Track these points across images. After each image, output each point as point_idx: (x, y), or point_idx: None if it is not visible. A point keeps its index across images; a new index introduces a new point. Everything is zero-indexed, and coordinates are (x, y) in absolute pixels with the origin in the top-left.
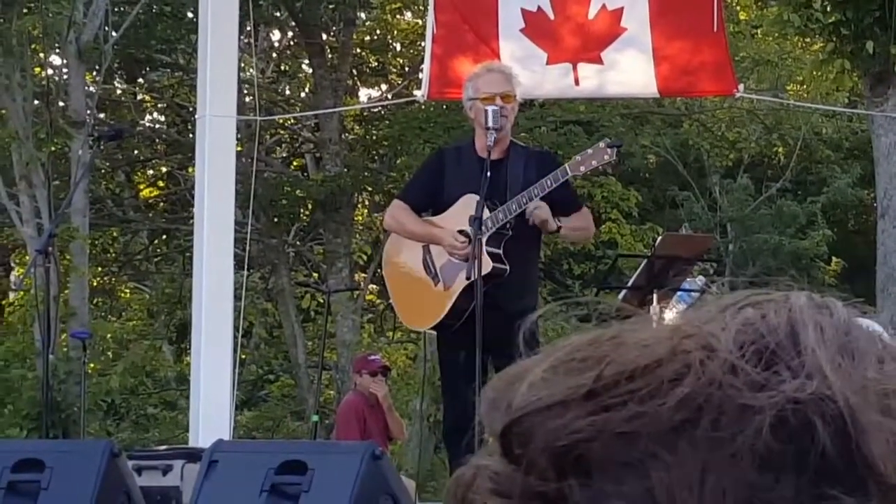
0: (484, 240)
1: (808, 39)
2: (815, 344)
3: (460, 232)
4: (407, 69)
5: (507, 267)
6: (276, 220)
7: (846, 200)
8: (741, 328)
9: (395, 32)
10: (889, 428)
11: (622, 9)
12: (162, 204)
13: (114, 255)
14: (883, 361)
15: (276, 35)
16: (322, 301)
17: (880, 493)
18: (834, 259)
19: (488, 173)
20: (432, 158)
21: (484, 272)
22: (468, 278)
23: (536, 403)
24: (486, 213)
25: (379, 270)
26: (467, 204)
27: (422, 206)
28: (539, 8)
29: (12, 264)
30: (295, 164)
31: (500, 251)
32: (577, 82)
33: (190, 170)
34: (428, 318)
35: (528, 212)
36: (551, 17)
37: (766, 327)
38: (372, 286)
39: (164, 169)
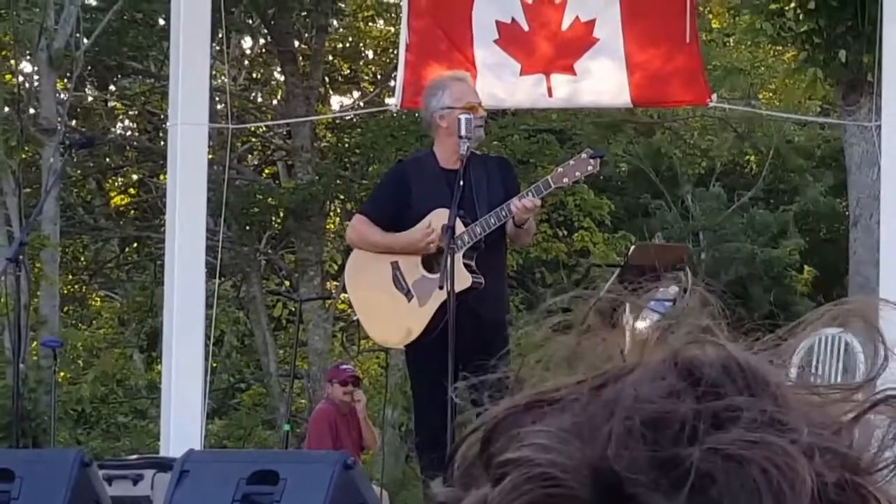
0: (460, 254)
1: (780, 48)
2: (755, 372)
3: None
4: (379, 77)
5: (483, 280)
6: (247, 228)
7: (818, 209)
8: (679, 365)
9: (368, 40)
10: None
11: (594, 20)
12: (133, 212)
13: (85, 263)
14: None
15: (247, 42)
16: (294, 310)
17: None
18: (806, 268)
19: (461, 182)
20: (394, 172)
21: (463, 287)
22: (441, 288)
23: None
24: (461, 227)
25: None
26: (436, 219)
27: (386, 220)
28: (513, 19)
29: None
30: (267, 171)
31: (474, 264)
32: (549, 92)
33: (161, 177)
34: (403, 334)
35: (515, 212)
36: (525, 27)
37: (704, 360)
38: (344, 295)
39: (135, 176)
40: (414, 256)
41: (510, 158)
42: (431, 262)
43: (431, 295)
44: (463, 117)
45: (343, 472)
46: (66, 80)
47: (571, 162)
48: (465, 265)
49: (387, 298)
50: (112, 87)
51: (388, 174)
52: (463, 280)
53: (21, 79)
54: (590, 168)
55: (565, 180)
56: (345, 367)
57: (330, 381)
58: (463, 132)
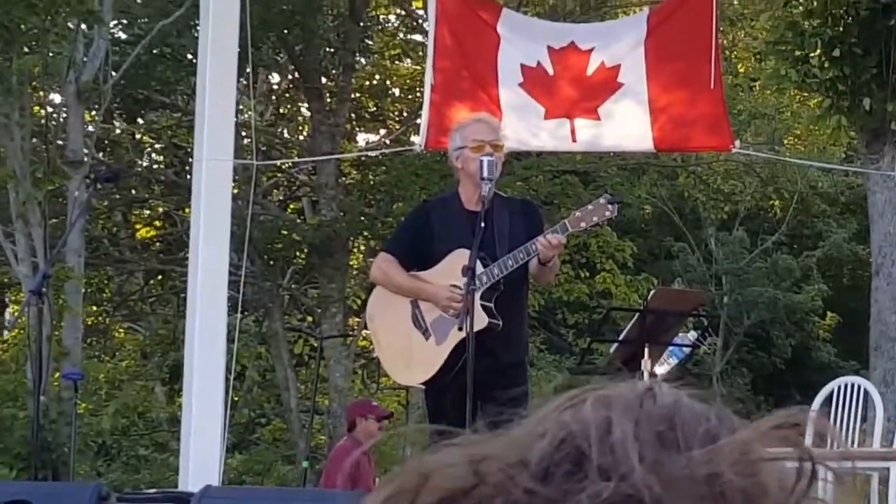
0: (478, 295)
1: (805, 94)
2: (626, 439)
3: (453, 286)
4: (405, 114)
5: (500, 322)
6: (271, 263)
7: (842, 255)
8: (557, 433)
9: (394, 78)
10: None
11: (620, 65)
12: (158, 244)
13: (109, 295)
14: (716, 437)
15: (275, 78)
16: (315, 346)
17: None
18: (829, 313)
19: (482, 224)
20: (418, 212)
21: (479, 327)
22: (460, 329)
23: None
24: (480, 268)
25: None
26: (456, 259)
27: (409, 260)
28: (538, 63)
29: (7, 302)
30: (291, 207)
31: (493, 305)
32: (573, 136)
33: (187, 210)
34: (420, 373)
35: (541, 249)
36: (550, 72)
37: (581, 428)
38: (365, 332)
39: (160, 209)
40: None
41: (534, 199)
42: None
43: (449, 334)
44: (485, 159)
45: None
46: (93, 113)
47: (590, 207)
48: (483, 306)
49: (405, 336)
50: (139, 121)
51: (411, 213)
52: (479, 321)
53: (49, 111)
54: (607, 214)
55: (582, 224)
56: (375, 403)
57: (363, 416)
58: (485, 174)
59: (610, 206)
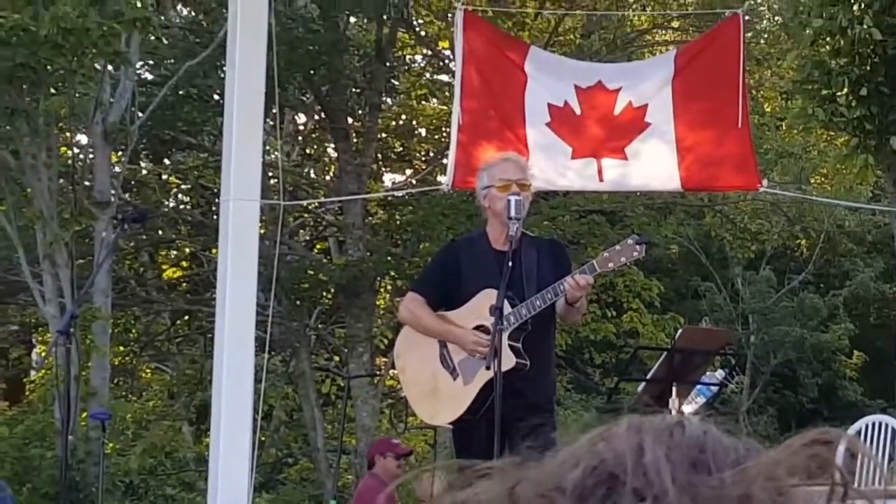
0: (506, 335)
1: (832, 133)
2: (659, 462)
3: (479, 327)
4: (431, 154)
5: (528, 362)
6: (298, 303)
7: (868, 294)
8: (590, 461)
9: (420, 118)
10: None
11: (647, 105)
12: (185, 285)
13: (136, 335)
14: (742, 462)
15: (301, 118)
16: (342, 385)
17: None
18: (855, 352)
19: (510, 263)
20: (446, 251)
21: (507, 367)
22: (488, 368)
23: None
24: (508, 308)
25: None
26: (484, 299)
27: (437, 299)
28: (566, 102)
29: (34, 343)
30: (318, 247)
31: (520, 345)
32: (600, 175)
33: (213, 251)
34: (447, 413)
35: (569, 289)
36: (577, 111)
37: (615, 455)
38: (392, 371)
39: (187, 250)
40: None
41: (560, 239)
42: None
43: (476, 374)
44: (513, 198)
45: None
46: (120, 154)
47: (618, 247)
48: (511, 346)
49: (432, 376)
50: (166, 161)
51: (439, 252)
52: (507, 361)
53: (76, 151)
54: (635, 254)
55: (610, 265)
56: (395, 441)
57: (382, 454)
58: (512, 213)
59: (638, 246)
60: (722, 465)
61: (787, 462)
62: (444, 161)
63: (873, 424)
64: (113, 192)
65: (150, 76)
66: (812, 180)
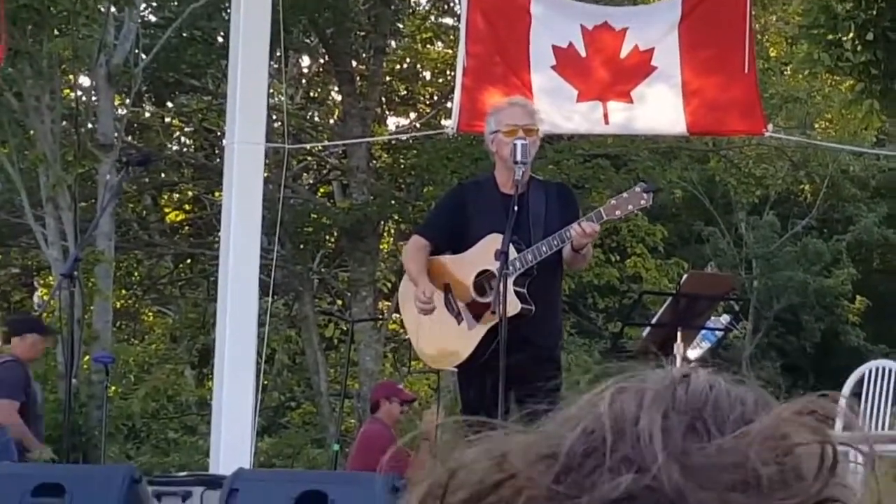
0: (511, 280)
1: (837, 78)
2: (653, 430)
3: (483, 272)
4: (436, 98)
5: (533, 307)
6: (301, 247)
7: (872, 239)
8: (588, 425)
9: (425, 62)
10: (712, 497)
11: (653, 49)
12: (187, 228)
13: (138, 278)
14: (750, 422)
15: (305, 61)
16: (345, 329)
17: None
18: (858, 298)
19: (515, 208)
20: (453, 194)
21: (512, 313)
22: (493, 313)
23: None
24: (513, 253)
25: None
26: (490, 244)
27: (442, 242)
28: (570, 44)
29: (36, 285)
30: (322, 191)
31: (525, 291)
32: (606, 119)
33: (216, 194)
34: (451, 357)
35: (575, 236)
36: (582, 54)
37: (611, 420)
38: (395, 315)
39: (190, 193)
40: (466, 280)
41: (565, 183)
42: (483, 286)
43: (481, 319)
44: (518, 142)
45: (391, 493)
46: (123, 96)
47: (625, 195)
48: (516, 292)
49: (437, 320)
50: (169, 104)
51: (446, 195)
52: (513, 306)
53: (79, 94)
54: (642, 202)
55: (617, 213)
56: (400, 386)
57: (387, 398)
58: (518, 157)
59: (645, 194)
60: (723, 425)
61: (783, 427)
62: (449, 105)
63: (876, 369)
64: (116, 134)
65: (154, 18)
66: (817, 125)
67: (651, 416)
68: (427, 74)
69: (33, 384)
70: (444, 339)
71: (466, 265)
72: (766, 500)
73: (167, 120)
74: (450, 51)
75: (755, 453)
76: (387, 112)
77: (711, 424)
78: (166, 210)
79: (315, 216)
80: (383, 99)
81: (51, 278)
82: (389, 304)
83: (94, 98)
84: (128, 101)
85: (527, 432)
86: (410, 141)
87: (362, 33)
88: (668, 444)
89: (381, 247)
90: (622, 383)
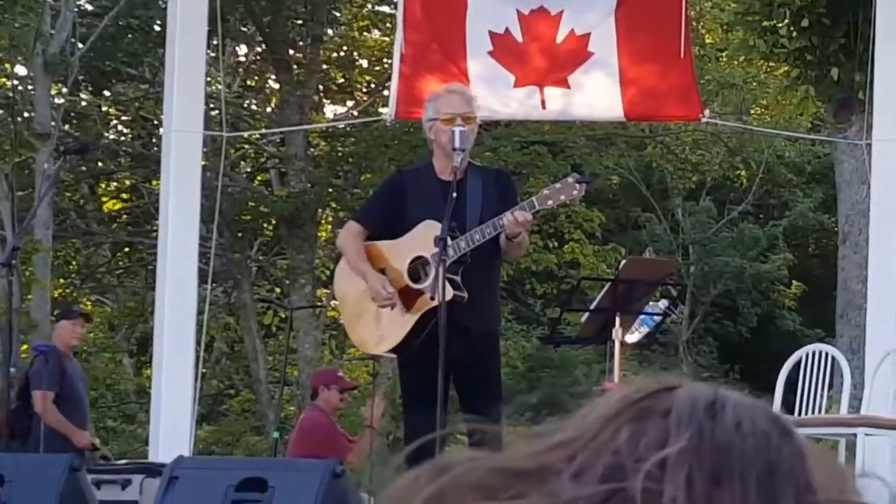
0: (444, 268)
1: (773, 64)
2: (677, 498)
3: (418, 258)
4: (373, 86)
5: (466, 294)
6: (239, 234)
7: (807, 224)
8: (602, 484)
9: (363, 50)
10: None
11: (590, 34)
12: (125, 217)
13: (76, 267)
14: (774, 471)
15: (242, 50)
16: (284, 316)
17: None
18: (794, 283)
19: (454, 195)
20: (391, 181)
21: (445, 300)
22: (431, 299)
23: None
24: (448, 241)
25: None
26: (425, 230)
27: (379, 229)
28: (507, 30)
29: None
30: (259, 179)
31: (458, 278)
32: (543, 105)
33: (154, 183)
34: (385, 342)
35: (508, 225)
36: (519, 39)
37: (631, 482)
38: (334, 302)
39: (128, 182)
40: (400, 266)
41: (504, 169)
42: (417, 272)
43: (414, 305)
44: (457, 130)
45: (332, 480)
46: (60, 85)
47: (558, 185)
48: (449, 279)
49: (371, 305)
50: (107, 93)
51: (384, 182)
52: (445, 293)
53: (16, 83)
54: (574, 193)
55: (550, 202)
56: (340, 373)
57: (327, 385)
58: (457, 144)
59: (578, 185)
60: (747, 477)
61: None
62: (386, 93)
63: (812, 353)
64: (53, 123)
65: (90, 7)
66: (752, 111)
67: (676, 484)
68: (364, 62)
69: (71, 371)
70: (377, 325)
71: (401, 251)
72: None
73: (104, 109)
74: (387, 38)
75: None
76: (324, 100)
77: (736, 482)
78: (104, 199)
79: (253, 204)
80: (320, 87)
81: None
82: (328, 291)
83: (30, 87)
84: (65, 89)
85: (546, 452)
86: (348, 129)
87: (299, 21)
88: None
89: (320, 234)
90: (641, 405)
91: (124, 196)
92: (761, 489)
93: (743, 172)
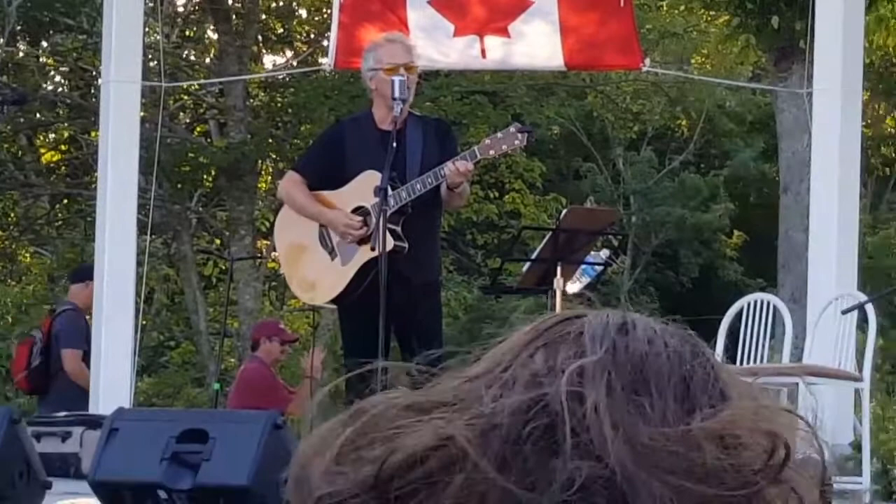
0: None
1: (713, 13)
2: (599, 403)
3: (358, 209)
4: (312, 36)
5: (406, 245)
6: (178, 186)
7: (748, 174)
8: (527, 391)
9: None
10: (661, 483)
11: None
12: (64, 168)
13: (15, 219)
14: (688, 386)
15: (181, 0)
16: (224, 268)
17: None
18: (736, 232)
19: (394, 144)
20: (331, 131)
21: (385, 250)
22: (372, 249)
23: (328, 499)
24: (389, 191)
25: None
26: (366, 180)
27: (319, 179)
28: None
29: None
30: (198, 130)
31: (399, 228)
32: (483, 54)
33: (93, 134)
34: (324, 292)
35: (449, 175)
36: None
37: (554, 390)
38: (274, 254)
39: (66, 133)
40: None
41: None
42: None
43: (354, 255)
44: (396, 79)
45: (273, 431)
46: None
47: (500, 135)
48: (390, 229)
49: (311, 255)
50: (44, 44)
51: (324, 132)
52: (386, 243)
53: None
54: (517, 143)
55: (491, 152)
56: (282, 325)
57: (268, 337)
58: (396, 94)
59: (520, 134)
60: (664, 391)
61: (740, 418)
62: (325, 43)
63: (754, 303)
64: None
65: None
66: (693, 60)
67: (597, 391)
68: (303, 12)
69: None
70: (317, 274)
71: (342, 201)
72: (716, 489)
73: (42, 59)
74: None
75: (706, 440)
76: (263, 50)
77: (654, 392)
78: (42, 150)
79: (192, 155)
80: (259, 37)
81: None
82: (268, 242)
83: None
84: (1, 40)
85: (464, 383)
86: (287, 79)
87: None
88: (617, 424)
89: (260, 186)
90: (558, 327)
91: (63, 147)
92: (678, 397)
93: (684, 122)
